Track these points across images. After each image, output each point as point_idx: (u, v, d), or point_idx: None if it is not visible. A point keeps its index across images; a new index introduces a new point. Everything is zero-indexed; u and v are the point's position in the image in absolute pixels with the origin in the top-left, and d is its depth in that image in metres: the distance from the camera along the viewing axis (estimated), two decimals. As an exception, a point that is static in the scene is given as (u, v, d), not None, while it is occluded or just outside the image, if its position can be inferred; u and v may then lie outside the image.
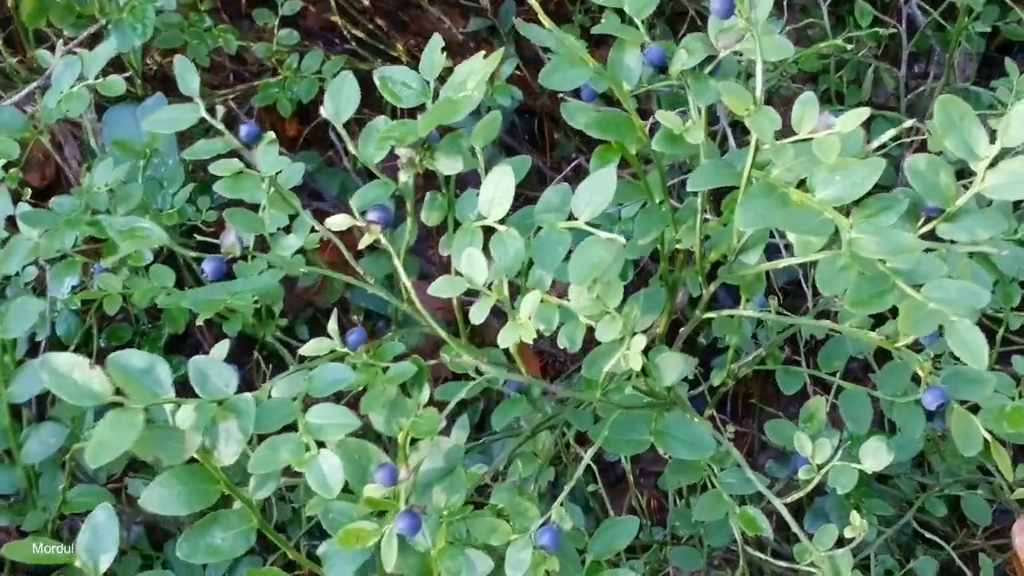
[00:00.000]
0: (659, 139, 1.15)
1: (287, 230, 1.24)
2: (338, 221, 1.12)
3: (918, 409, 1.28)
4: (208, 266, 1.16)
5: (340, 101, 1.15)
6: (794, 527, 1.20)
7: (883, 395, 1.30)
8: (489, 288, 1.07)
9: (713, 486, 1.27)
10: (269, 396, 1.10)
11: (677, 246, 1.20)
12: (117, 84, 1.51)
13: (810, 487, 1.20)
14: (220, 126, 1.19)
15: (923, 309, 0.95)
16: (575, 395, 1.22)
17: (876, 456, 1.18)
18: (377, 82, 1.16)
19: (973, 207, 1.02)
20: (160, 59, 2.30)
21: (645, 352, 1.11)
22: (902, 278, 0.98)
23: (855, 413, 1.30)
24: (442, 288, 1.06)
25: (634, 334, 1.09)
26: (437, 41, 1.17)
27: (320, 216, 1.20)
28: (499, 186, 1.10)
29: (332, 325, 1.13)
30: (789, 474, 1.42)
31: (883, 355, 1.35)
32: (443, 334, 1.13)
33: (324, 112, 1.13)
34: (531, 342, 1.07)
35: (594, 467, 1.59)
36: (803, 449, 1.20)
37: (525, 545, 1.10)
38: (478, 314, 1.07)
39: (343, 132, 1.14)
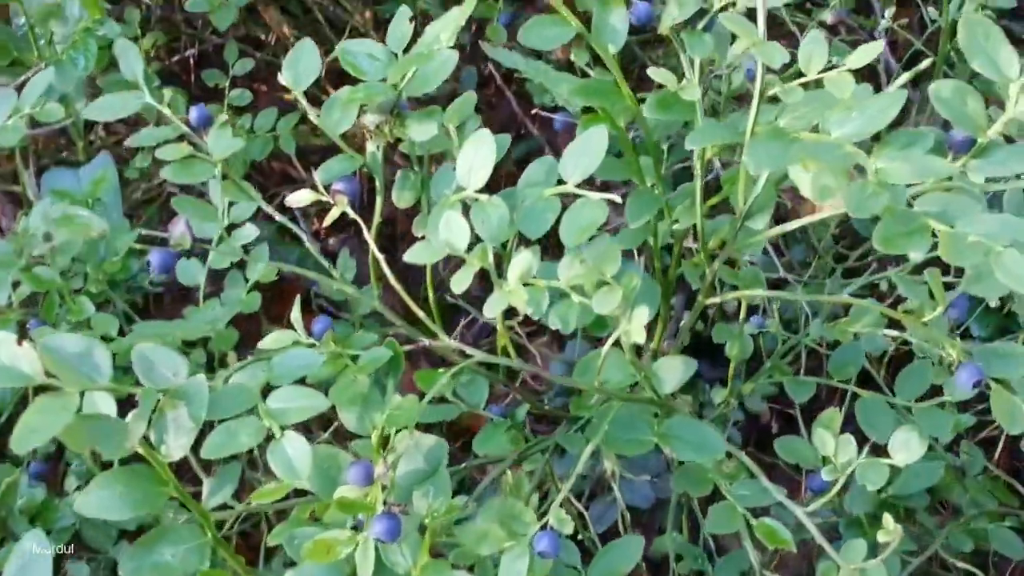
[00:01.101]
0: (650, 105, 1.06)
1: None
2: (301, 197, 1.02)
3: (943, 413, 1.18)
4: (154, 258, 1.06)
5: (299, 68, 1.06)
6: (819, 539, 1.08)
7: (902, 401, 1.19)
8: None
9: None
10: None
11: (675, 226, 1.10)
12: (55, 111, 1.41)
13: (835, 489, 1.08)
14: (167, 112, 1.09)
15: (964, 240, 0.86)
16: (569, 382, 1.10)
17: (907, 448, 1.07)
18: (339, 56, 1.07)
19: (1002, 142, 0.93)
20: (104, 135, 2.21)
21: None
22: (934, 219, 0.89)
23: (875, 421, 1.19)
24: (419, 254, 0.96)
25: (635, 306, 0.97)
26: (405, 11, 1.09)
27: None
28: (478, 154, 1.01)
29: (295, 314, 1.02)
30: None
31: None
32: (420, 313, 1.02)
33: (282, 79, 1.04)
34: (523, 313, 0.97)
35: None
36: (824, 447, 1.09)
37: (521, 553, 0.98)
38: (460, 282, 0.96)
39: (303, 100, 1.04)
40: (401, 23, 1.09)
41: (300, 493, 1.00)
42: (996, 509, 1.49)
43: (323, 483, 1.00)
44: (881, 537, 1.06)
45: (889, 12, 1.86)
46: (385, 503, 0.94)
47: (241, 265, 1.33)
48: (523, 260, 0.95)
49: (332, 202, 1.02)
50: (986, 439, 1.65)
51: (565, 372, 1.39)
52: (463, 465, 1.23)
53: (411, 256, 0.96)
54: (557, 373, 1.54)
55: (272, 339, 1.03)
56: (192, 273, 1.32)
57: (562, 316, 1.02)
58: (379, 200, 1.06)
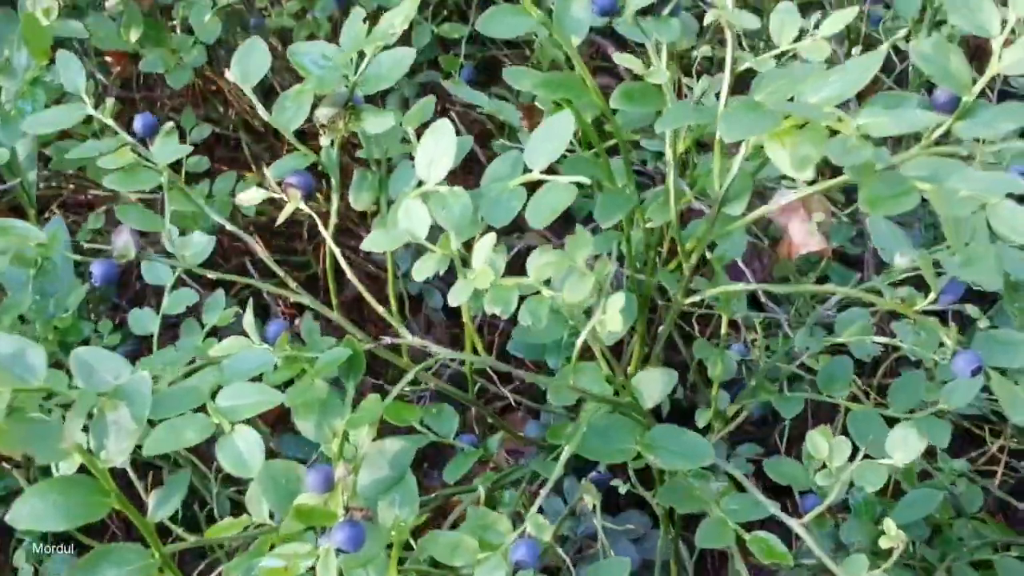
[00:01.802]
0: (617, 96, 1.02)
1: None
2: (251, 196, 0.97)
3: (940, 421, 1.13)
4: (96, 269, 1.00)
5: (248, 65, 1.02)
6: (818, 551, 1.01)
7: (896, 413, 1.13)
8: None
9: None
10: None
11: (648, 224, 1.06)
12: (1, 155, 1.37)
13: (831, 497, 1.02)
14: (110, 122, 1.04)
15: (955, 195, 0.81)
16: (542, 381, 1.04)
17: (906, 445, 1.01)
18: (289, 57, 1.03)
19: (986, 104, 0.89)
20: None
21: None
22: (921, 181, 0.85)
23: (869, 433, 1.12)
24: (377, 242, 0.90)
25: (609, 294, 0.92)
26: (359, 12, 1.05)
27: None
28: (438, 146, 0.96)
29: (248, 318, 0.96)
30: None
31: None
32: (380, 309, 0.96)
33: (231, 76, 0.99)
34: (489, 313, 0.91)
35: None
36: (818, 451, 1.02)
37: (497, 564, 0.91)
38: (421, 271, 0.91)
39: (254, 97, 0.99)
40: (355, 24, 1.05)
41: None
42: (1000, 539, 1.42)
43: (280, 499, 0.94)
44: (884, 543, 1.00)
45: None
46: (347, 509, 0.87)
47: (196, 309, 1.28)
48: (487, 241, 0.89)
49: (285, 198, 0.96)
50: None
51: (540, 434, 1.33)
52: (433, 495, 1.15)
53: (369, 244, 0.91)
54: (532, 434, 1.46)
55: (225, 346, 0.97)
56: (144, 323, 1.27)
57: (533, 311, 0.96)
58: (335, 199, 1.01)
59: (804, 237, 1.75)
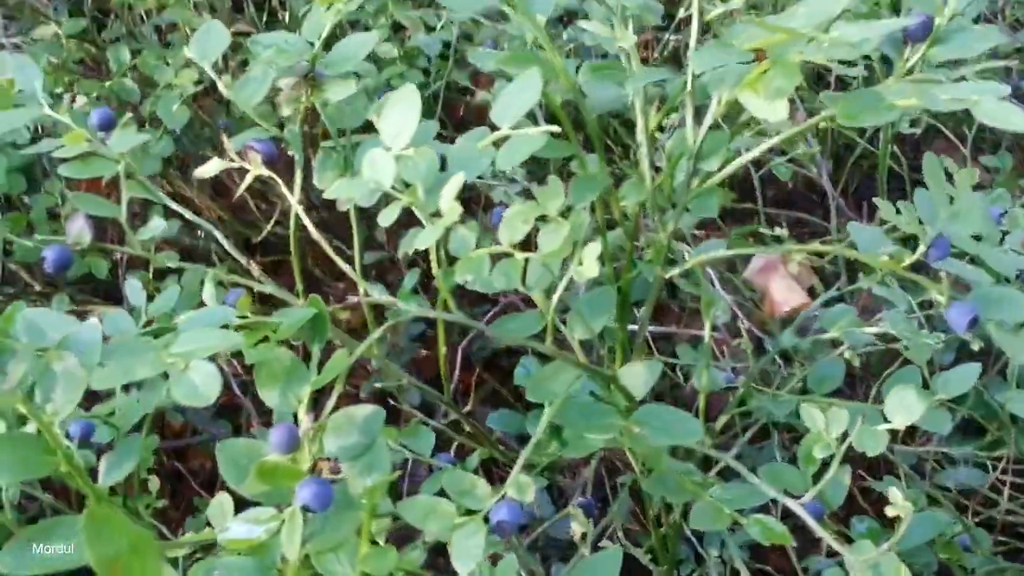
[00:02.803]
0: (585, 72, 1.01)
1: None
2: (210, 167, 0.94)
3: (939, 411, 1.08)
4: (49, 254, 0.96)
5: (207, 44, 1.00)
6: (820, 532, 0.96)
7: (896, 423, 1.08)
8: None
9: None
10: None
11: (624, 203, 1.03)
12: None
13: (834, 467, 0.97)
14: (68, 120, 1.02)
15: (938, 99, 0.80)
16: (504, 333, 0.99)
17: (905, 409, 0.96)
18: (249, 46, 1.02)
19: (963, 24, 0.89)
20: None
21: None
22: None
23: (866, 434, 1.08)
24: (341, 189, 0.87)
25: (586, 242, 0.89)
26: (319, 6, 1.05)
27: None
28: (403, 112, 0.94)
29: (208, 289, 0.92)
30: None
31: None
32: (347, 268, 0.92)
33: (189, 52, 0.98)
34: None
35: None
36: (814, 422, 0.98)
37: (476, 528, 0.85)
38: (386, 216, 0.87)
39: (214, 74, 0.98)
40: (317, 14, 1.04)
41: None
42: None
43: (241, 477, 0.88)
44: (890, 512, 0.94)
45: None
46: (314, 464, 0.82)
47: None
48: (455, 181, 0.86)
49: (246, 163, 0.93)
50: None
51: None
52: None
53: (333, 192, 0.88)
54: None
55: (180, 319, 0.92)
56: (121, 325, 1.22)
57: (506, 272, 0.92)
58: (298, 174, 0.99)
59: (786, 294, 1.72)
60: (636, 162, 1.05)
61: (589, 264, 0.89)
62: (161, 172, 1.99)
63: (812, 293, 1.76)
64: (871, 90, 0.84)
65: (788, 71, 0.88)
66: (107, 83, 1.98)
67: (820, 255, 1.71)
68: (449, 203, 0.85)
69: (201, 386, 0.77)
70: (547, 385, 1.02)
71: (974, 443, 1.57)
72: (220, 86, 0.99)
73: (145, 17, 2.21)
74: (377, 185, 0.88)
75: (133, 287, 1.21)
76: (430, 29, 2.00)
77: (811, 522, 0.96)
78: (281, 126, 1.00)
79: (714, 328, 1.40)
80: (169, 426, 2.12)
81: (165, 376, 0.81)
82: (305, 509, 0.81)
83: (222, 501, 0.93)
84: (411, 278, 1.19)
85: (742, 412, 1.23)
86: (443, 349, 1.12)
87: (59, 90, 1.93)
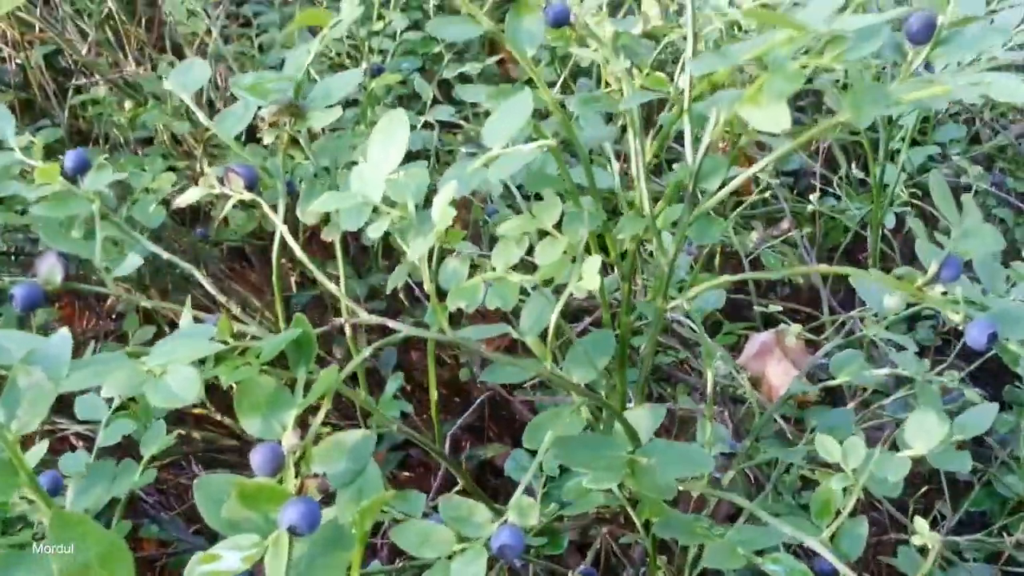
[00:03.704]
0: (577, 103, 1.00)
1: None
2: (190, 195, 0.91)
3: (958, 452, 1.04)
4: (18, 292, 0.91)
5: (188, 77, 0.98)
6: (841, 568, 0.90)
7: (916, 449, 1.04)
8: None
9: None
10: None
11: (620, 236, 1.00)
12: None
13: (852, 501, 0.91)
14: (40, 163, 0.99)
15: (950, 87, 0.78)
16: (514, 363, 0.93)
17: (925, 433, 0.91)
18: (231, 87, 0.99)
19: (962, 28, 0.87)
20: None
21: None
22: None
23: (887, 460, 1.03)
24: (328, 202, 0.84)
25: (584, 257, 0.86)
26: (304, 47, 1.03)
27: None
28: (391, 135, 0.91)
29: (187, 317, 0.87)
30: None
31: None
32: (332, 288, 0.88)
33: (168, 84, 0.95)
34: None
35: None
36: (830, 454, 0.93)
37: (476, 555, 0.79)
38: (375, 231, 0.84)
39: (193, 105, 0.95)
40: (299, 51, 1.03)
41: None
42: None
43: (219, 518, 0.82)
44: (916, 541, 0.89)
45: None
46: (300, 481, 0.76)
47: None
48: (448, 188, 0.83)
49: (227, 188, 0.90)
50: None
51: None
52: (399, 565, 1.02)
53: (319, 205, 0.84)
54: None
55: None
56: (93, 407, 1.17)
57: (502, 294, 0.88)
58: (281, 204, 0.95)
59: (783, 378, 1.68)
60: (631, 196, 1.02)
61: (589, 277, 0.85)
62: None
63: (810, 375, 1.71)
64: (877, 84, 0.82)
65: (789, 76, 0.86)
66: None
67: (818, 330, 1.67)
68: (441, 210, 0.82)
69: (178, 389, 0.72)
70: (545, 429, 0.98)
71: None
72: (201, 118, 0.96)
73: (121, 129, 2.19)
74: (365, 199, 0.85)
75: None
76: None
77: (827, 554, 0.90)
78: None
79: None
80: (143, 544, 2.04)
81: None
82: (291, 532, 0.75)
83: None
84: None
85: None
86: (434, 395, 1.06)
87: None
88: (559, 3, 1.02)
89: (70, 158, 1.01)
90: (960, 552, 1.60)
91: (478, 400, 1.77)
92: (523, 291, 0.93)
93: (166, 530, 1.94)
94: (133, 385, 0.75)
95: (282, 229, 0.91)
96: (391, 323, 0.87)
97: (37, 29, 2.11)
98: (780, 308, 1.61)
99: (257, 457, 0.78)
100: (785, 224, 2.21)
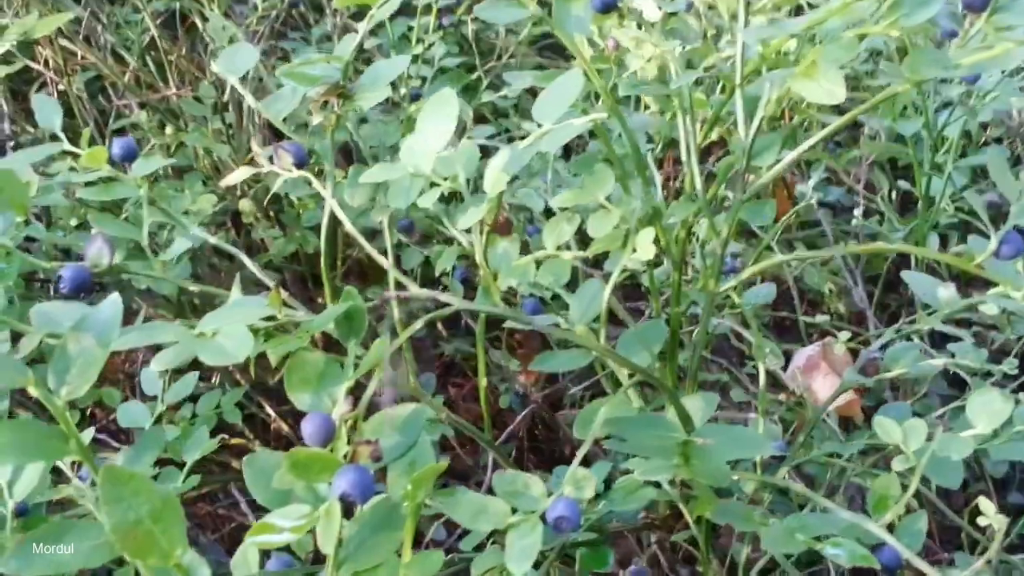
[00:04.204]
0: (624, 85, 0.99)
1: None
2: (237, 175, 0.90)
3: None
4: (66, 272, 0.91)
5: (235, 60, 0.98)
6: (908, 555, 0.88)
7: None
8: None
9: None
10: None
11: (671, 220, 0.98)
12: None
13: (914, 487, 0.89)
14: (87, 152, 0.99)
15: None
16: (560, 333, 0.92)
17: (990, 412, 0.89)
18: (279, 76, 0.99)
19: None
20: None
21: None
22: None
23: (941, 469, 1.00)
24: (377, 174, 0.83)
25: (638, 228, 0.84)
26: (352, 36, 1.03)
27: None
28: (440, 117, 0.91)
29: (235, 292, 0.86)
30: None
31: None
32: (383, 261, 0.87)
33: (216, 67, 0.95)
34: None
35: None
36: (890, 436, 0.90)
37: (532, 527, 0.77)
38: (426, 199, 0.83)
39: (242, 88, 0.95)
40: (348, 40, 1.03)
41: None
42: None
43: (272, 497, 0.81)
44: (982, 522, 0.86)
45: None
46: (350, 445, 0.75)
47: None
48: (502, 154, 0.82)
49: (277, 165, 0.89)
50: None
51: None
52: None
53: (369, 176, 0.83)
54: None
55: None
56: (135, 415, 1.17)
57: (553, 270, 0.87)
58: (329, 186, 0.94)
59: (830, 391, 1.65)
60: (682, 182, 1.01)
61: (644, 247, 0.84)
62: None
63: (857, 389, 1.69)
64: (936, 49, 0.81)
65: (844, 45, 0.85)
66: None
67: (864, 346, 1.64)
68: (494, 176, 0.81)
69: (231, 347, 0.71)
70: (594, 419, 0.96)
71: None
72: (249, 100, 0.96)
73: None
74: (416, 170, 0.84)
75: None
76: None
77: (892, 541, 0.88)
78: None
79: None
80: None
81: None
82: (343, 501, 0.73)
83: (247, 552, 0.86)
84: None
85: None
86: (483, 381, 1.05)
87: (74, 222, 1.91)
88: (606, -11, 1.02)
89: (118, 145, 1.01)
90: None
91: (520, 416, 1.74)
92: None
93: (205, 554, 1.92)
94: (184, 348, 0.74)
95: (332, 203, 0.91)
96: (442, 296, 0.86)
97: (79, 56, 2.13)
98: (827, 318, 1.58)
99: (308, 427, 0.76)
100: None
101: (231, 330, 0.72)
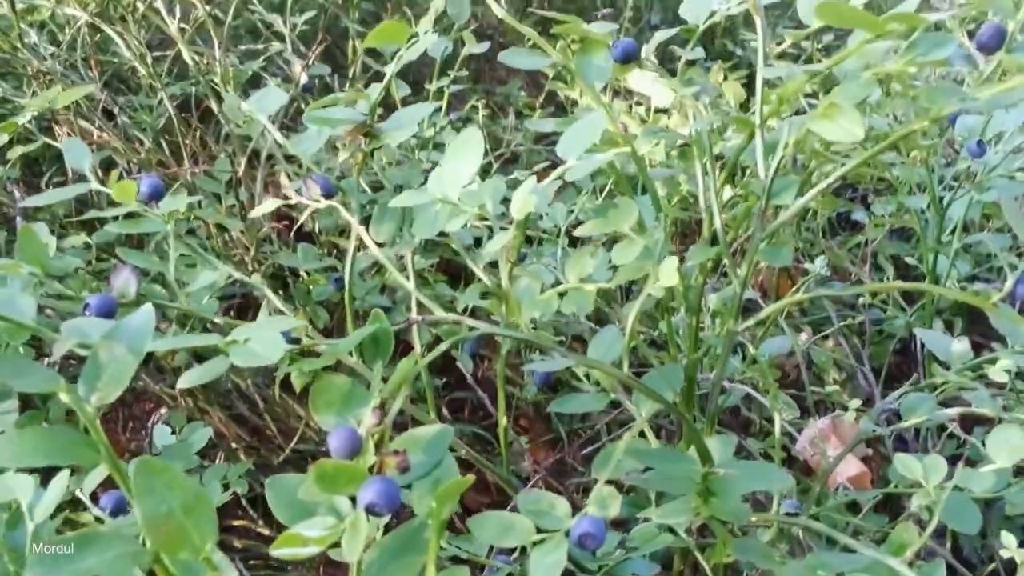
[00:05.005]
0: (643, 136, 1.01)
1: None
2: (266, 205, 0.92)
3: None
4: (93, 301, 0.92)
5: (266, 101, 1.00)
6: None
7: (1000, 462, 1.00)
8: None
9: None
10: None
11: (689, 263, 1.00)
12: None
13: (934, 522, 0.89)
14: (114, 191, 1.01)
15: None
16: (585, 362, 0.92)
17: (1010, 447, 0.89)
18: (306, 120, 1.02)
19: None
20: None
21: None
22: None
23: (960, 514, 1.00)
24: (406, 199, 0.85)
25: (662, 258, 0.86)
26: (377, 86, 1.06)
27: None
28: (465, 153, 0.93)
29: (264, 313, 0.88)
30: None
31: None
32: (407, 284, 0.88)
33: (246, 106, 0.97)
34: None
35: None
36: (911, 472, 0.91)
37: (556, 545, 0.77)
38: (454, 224, 0.84)
39: (271, 127, 0.97)
40: (372, 91, 1.05)
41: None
42: None
43: (293, 513, 0.81)
44: (1004, 554, 0.86)
45: None
46: (378, 452, 0.75)
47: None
48: (529, 183, 0.84)
49: (305, 196, 0.91)
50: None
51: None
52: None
53: (398, 201, 0.85)
54: None
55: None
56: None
57: (577, 301, 0.88)
58: (355, 223, 0.95)
59: (841, 465, 1.65)
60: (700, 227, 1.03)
61: (667, 275, 0.85)
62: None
63: (867, 462, 1.69)
64: (953, 85, 0.83)
65: (862, 83, 0.87)
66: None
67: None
68: (522, 201, 0.82)
69: (262, 351, 0.72)
70: (614, 456, 0.96)
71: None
72: (277, 136, 0.98)
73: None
74: (444, 197, 0.85)
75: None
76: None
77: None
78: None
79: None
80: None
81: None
82: (370, 511, 0.73)
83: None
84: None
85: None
86: (503, 421, 1.05)
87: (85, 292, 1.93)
88: (627, 40, 1.05)
89: (145, 184, 1.03)
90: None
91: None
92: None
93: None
94: (215, 366, 0.75)
95: (359, 229, 0.92)
96: (468, 320, 0.87)
97: (95, 135, 2.16)
98: (836, 387, 1.58)
99: (334, 441, 0.77)
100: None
101: (262, 335, 0.73)
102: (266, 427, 2.11)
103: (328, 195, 0.93)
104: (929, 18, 0.81)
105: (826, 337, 2.16)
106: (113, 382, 0.73)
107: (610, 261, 0.94)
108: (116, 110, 2.20)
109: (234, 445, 2.16)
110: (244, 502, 1.95)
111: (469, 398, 2.17)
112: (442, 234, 0.91)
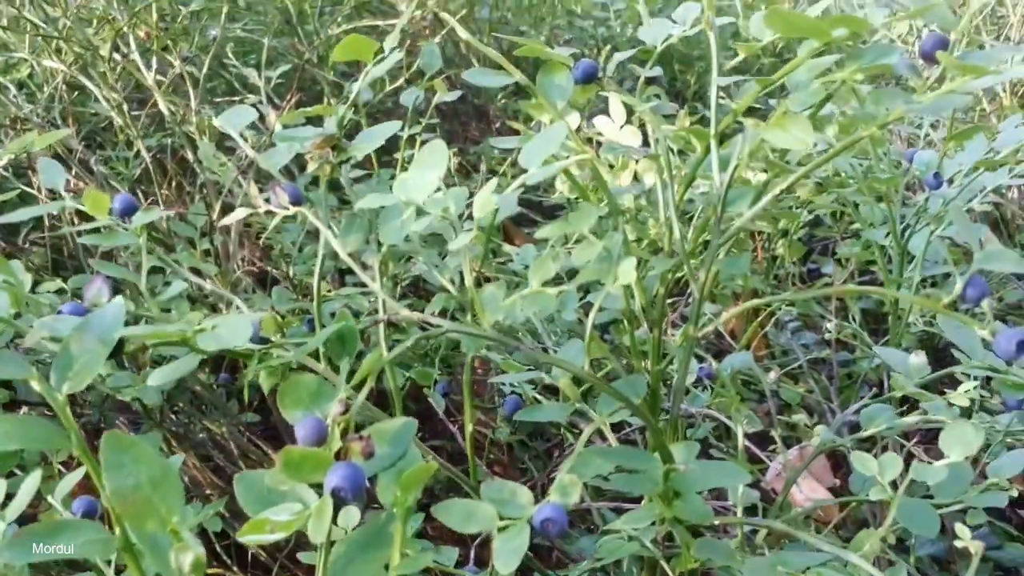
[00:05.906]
0: (605, 149, 1.04)
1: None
2: (235, 215, 0.94)
3: (996, 493, 1.03)
4: (66, 308, 0.93)
5: (237, 118, 1.03)
6: (886, 583, 0.89)
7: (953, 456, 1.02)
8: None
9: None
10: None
11: (651, 272, 1.03)
12: None
13: (892, 514, 0.91)
14: (88, 209, 1.03)
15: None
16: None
17: (963, 441, 0.92)
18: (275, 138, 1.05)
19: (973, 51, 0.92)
20: None
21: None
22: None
23: (918, 519, 1.02)
24: (371, 200, 0.87)
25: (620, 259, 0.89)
26: (340, 107, 1.09)
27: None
28: (430, 164, 0.96)
29: (232, 312, 0.89)
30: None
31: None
32: (370, 282, 0.90)
33: (217, 122, 1.00)
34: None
35: None
36: (866, 468, 0.93)
37: (519, 530, 0.79)
38: (417, 225, 0.87)
39: (243, 142, 0.99)
40: (341, 107, 1.08)
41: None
42: None
43: (258, 504, 0.82)
44: (958, 544, 0.88)
45: None
46: (343, 437, 0.77)
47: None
48: (489, 185, 0.86)
49: (274, 204, 0.93)
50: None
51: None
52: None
53: (363, 204, 0.87)
54: None
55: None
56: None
57: (538, 303, 0.91)
58: (323, 236, 0.98)
59: (808, 494, 1.66)
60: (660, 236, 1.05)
61: (625, 274, 0.87)
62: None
63: (834, 492, 1.71)
64: (900, 91, 0.86)
65: (811, 92, 0.91)
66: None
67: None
68: (484, 199, 0.85)
69: (228, 336, 0.74)
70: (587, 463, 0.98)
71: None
72: (248, 150, 1.00)
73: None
74: (409, 200, 0.88)
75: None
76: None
77: (872, 570, 0.89)
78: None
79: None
80: None
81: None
82: (336, 496, 0.75)
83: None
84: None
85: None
86: (469, 427, 1.07)
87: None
88: (587, 61, 1.08)
89: (119, 200, 1.05)
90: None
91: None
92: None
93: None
94: (184, 364, 0.77)
95: (327, 234, 0.94)
96: (432, 319, 0.89)
97: (71, 182, 2.18)
98: (804, 416, 1.61)
99: (301, 430, 0.78)
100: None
101: (229, 322, 0.75)
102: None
103: (296, 203, 0.95)
104: (874, 21, 0.85)
105: (796, 381, 2.19)
106: (84, 372, 0.75)
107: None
108: (92, 160, 2.23)
109: (208, 492, 2.16)
110: (218, 548, 1.95)
111: (444, 446, 2.18)
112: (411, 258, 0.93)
